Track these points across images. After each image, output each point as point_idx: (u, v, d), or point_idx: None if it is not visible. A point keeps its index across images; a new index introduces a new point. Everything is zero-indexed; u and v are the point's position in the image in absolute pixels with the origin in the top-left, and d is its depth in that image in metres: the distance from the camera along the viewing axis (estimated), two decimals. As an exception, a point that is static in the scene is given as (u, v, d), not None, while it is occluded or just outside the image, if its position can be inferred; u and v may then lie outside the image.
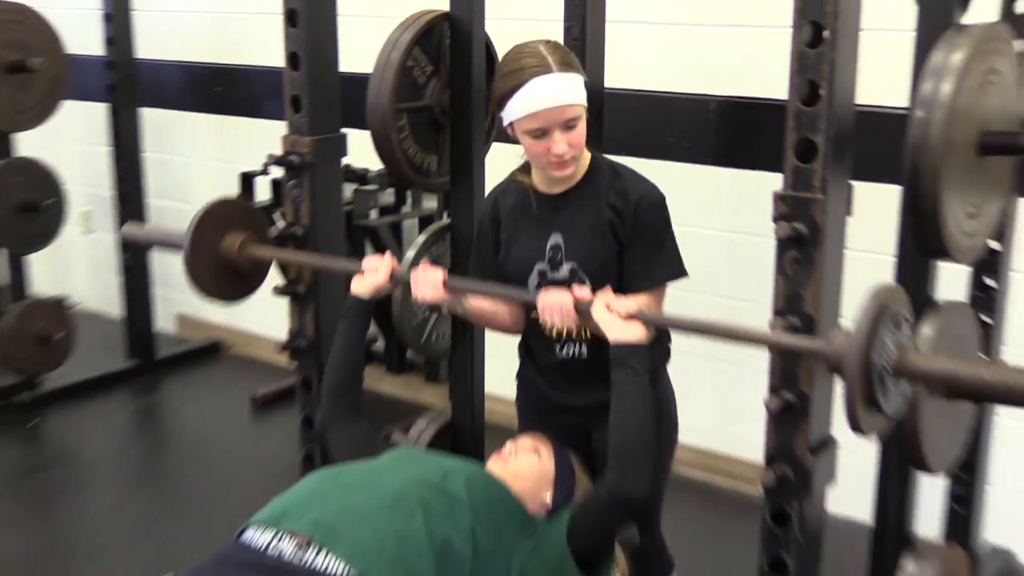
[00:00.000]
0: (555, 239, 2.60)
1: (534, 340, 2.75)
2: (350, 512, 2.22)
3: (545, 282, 2.60)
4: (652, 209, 2.56)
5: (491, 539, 2.33)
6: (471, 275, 2.80)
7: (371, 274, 2.69)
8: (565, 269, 2.59)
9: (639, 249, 2.56)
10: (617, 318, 2.31)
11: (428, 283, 2.62)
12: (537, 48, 2.47)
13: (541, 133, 2.45)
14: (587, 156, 2.61)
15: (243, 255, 2.96)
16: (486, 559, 2.31)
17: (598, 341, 2.53)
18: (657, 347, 2.69)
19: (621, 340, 2.31)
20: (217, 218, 2.97)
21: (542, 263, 2.61)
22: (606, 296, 2.34)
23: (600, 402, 2.46)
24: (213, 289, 3.01)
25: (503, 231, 2.72)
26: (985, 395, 1.99)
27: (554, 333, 2.65)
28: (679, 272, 2.60)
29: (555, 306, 2.39)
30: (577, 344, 2.64)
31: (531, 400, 2.85)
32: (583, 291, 2.39)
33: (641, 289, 2.54)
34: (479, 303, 2.76)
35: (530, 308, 2.59)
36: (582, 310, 2.36)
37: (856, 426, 1.92)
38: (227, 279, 3.02)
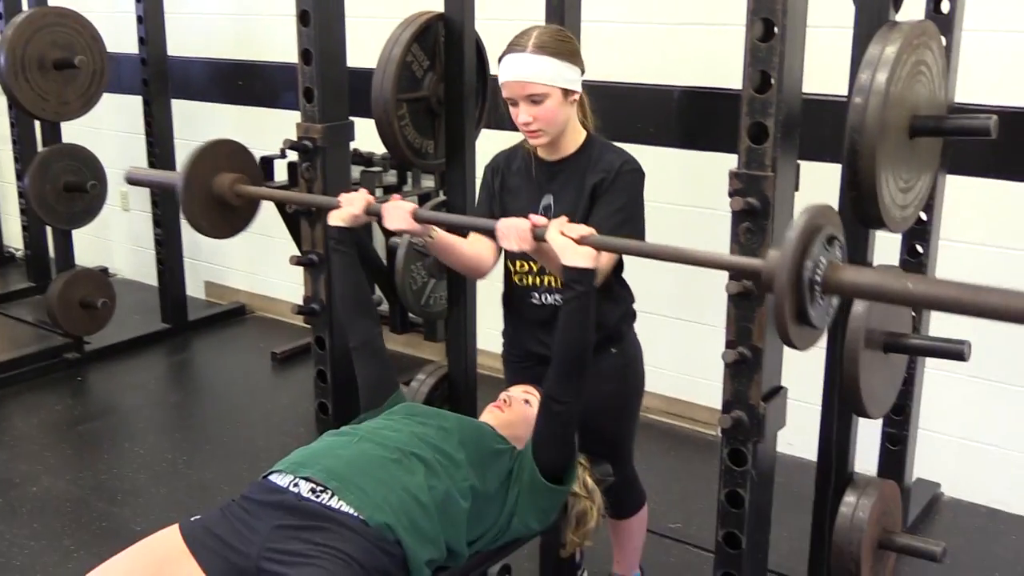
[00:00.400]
0: (547, 200, 2.62)
1: (513, 291, 2.74)
2: (359, 465, 2.22)
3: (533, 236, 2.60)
4: (629, 175, 2.55)
5: (485, 489, 2.34)
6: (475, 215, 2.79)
7: (347, 206, 2.62)
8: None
9: (606, 204, 2.53)
10: (570, 242, 2.22)
11: (398, 214, 2.54)
12: (531, 31, 2.49)
13: (513, 103, 2.50)
14: (582, 133, 2.61)
15: (233, 191, 2.87)
16: (482, 505, 2.32)
17: None
18: (622, 309, 2.70)
19: (571, 264, 2.22)
20: (211, 158, 2.88)
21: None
22: (560, 221, 2.27)
23: None
24: (206, 223, 2.90)
25: (504, 187, 2.72)
26: (911, 303, 1.90)
27: (528, 281, 2.66)
28: (636, 230, 2.55)
29: (512, 229, 2.32)
30: (551, 293, 2.64)
31: (513, 354, 2.85)
32: (539, 217, 2.32)
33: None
34: (446, 238, 2.67)
35: (515, 262, 2.63)
36: (538, 234, 2.29)
37: (786, 339, 1.83)
38: (219, 214, 2.92)
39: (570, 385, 2.32)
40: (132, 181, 3.04)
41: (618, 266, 2.67)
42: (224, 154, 2.92)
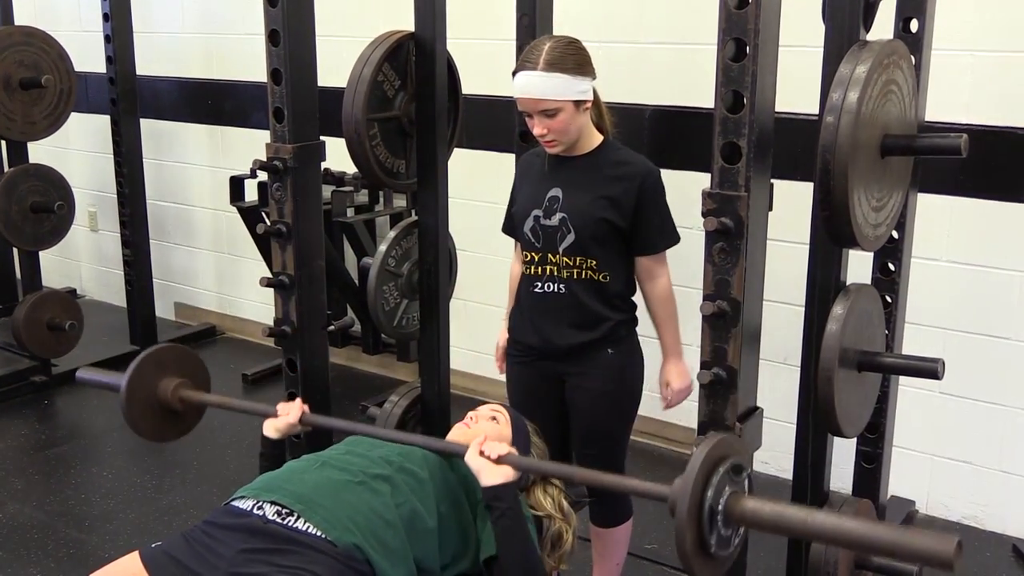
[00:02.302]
0: (555, 192, 2.71)
1: (521, 280, 2.84)
2: (324, 488, 2.22)
3: (538, 225, 2.71)
4: (654, 186, 2.69)
5: (452, 507, 2.32)
6: (506, 217, 2.92)
7: (283, 417, 2.60)
8: (556, 218, 2.69)
9: (647, 221, 2.68)
10: (486, 463, 2.23)
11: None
12: (541, 45, 2.58)
13: (528, 114, 2.62)
14: (598, 136, 2.73)
15: (177, 397, 2.78)
16: (452, 524, 2.31)
17: (575, 280, 2.68)
18: (621, 315, 2.76)
19: (489, 483, 2.22)
20: (155, 363, 2.79)
21: (538, 210, 2.72)
22: (479, 441, 2.28)
23: (573, 344, 2.64)
24: (147, 428, 2.80)
25: (520, 182, 2.86)
26: (810, 537, 1.93)
27: (531, 270, 2.76)
28: (677, 237, 2.76)
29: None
30: (556, 282, 2.72)
31: (513, 348, 2.90)
32: (487, 444, 2.29)
33: (652, 253, 2.72)
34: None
35: (523, 252, 2.78)
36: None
37: (689, 569, 1.82)
38: (163, 419, 2.82)
39: None
40: (81, 380, 2.99)
41: (628, 283, 2.77)
42: (170, 359, 2.83)
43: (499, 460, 2.23)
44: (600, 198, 2.64)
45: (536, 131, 2.61)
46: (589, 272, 2.68)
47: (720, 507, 1.79)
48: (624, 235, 2.67)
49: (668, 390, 2.81)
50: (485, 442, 2.26)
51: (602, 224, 2.64)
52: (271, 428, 2.61)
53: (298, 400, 2.67)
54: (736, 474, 1.84)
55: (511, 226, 2.89)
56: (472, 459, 2.25)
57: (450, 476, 2.39)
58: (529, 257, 2.75)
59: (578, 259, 2.67)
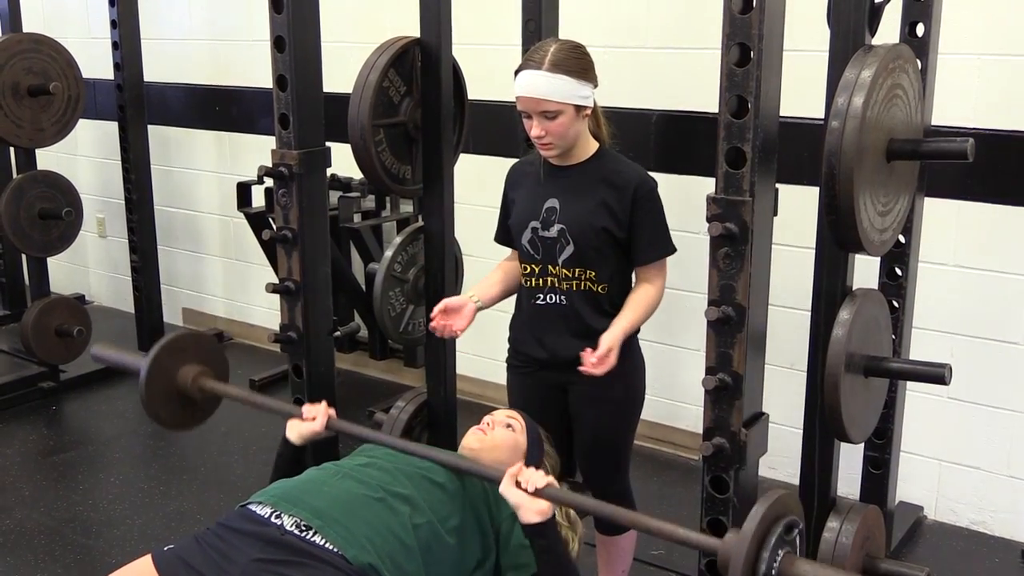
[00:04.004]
0: (552, 203, 2.67)
1: (521, 292, 2.81)
2: (343, 504, 2.19)
3: (537, 237, 2.68)
4: (648, 195, 2.64)
5: (473, 518, 2.31)
6: (498, 226, 2.87)
7: (308, 423, 2.56)
8: (554, 229, 2.65)
9: (641, 231, 2.64)
10: (524, 498, 2.16)
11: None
12: (547, 46, 2.56)
13: (527, 115, 2.57)
14: (593, 144, 2.68)
15: (196, 386, 2.74)
16: (473, 536, 2.29)
17: (575, 292, 2.65)
18: None
19: (528, 522, 2.17)
20: (177, 349, 2.76)
21: (536, 221, 2.69)
22: (515, 470, 2.22)
23: (574, 357, 2.51)
24: (165, 415, 2.76)
25: (515, 192, 2.80)
26: None
27: (533, 282, 2.72)
28: (672, 248, 2.69)
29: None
30: (556, 294, 2.69)
31: (515, 359, 2.87)
32: (523, 475, 2.23)
33: (646, 263, 2.66)
34: (489, 294, 2.80)
35: (522, 264, 2.73)
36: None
37: None
38: (180, 407, 2.78)
39: None
40: (96, 358, 2.96)
41: (628, 291, 2.72)
42: (191, 346, 2.80)
43: (536, 493, 2.17)
44: (598, 208, 2.61)
45: (533, 133, 2.57)
46: (588, 283, 2.65)
47: (774, 570, 1.77)
48: (622, 244, 2.65)
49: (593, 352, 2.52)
50: (521, 472, 2.20)
51: (601, 234, 2.61)
52: (295, 433, 2.55)
53: (323, 404, 2.61)
54: (788, 533, 1.81)
55: (506, 238, 2.86)
56: (509, 492, 2.18)
57: (474, 485, 2.37)
58: (529, 269, 2.72)
59: (577, 270, 2.64)
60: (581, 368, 2.46)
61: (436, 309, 2.69)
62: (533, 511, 2.16)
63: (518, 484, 2.18)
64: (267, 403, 2.86)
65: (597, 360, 2.45)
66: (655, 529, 2.03)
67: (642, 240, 2.64)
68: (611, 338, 2.50)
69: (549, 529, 2.19)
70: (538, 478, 2.18)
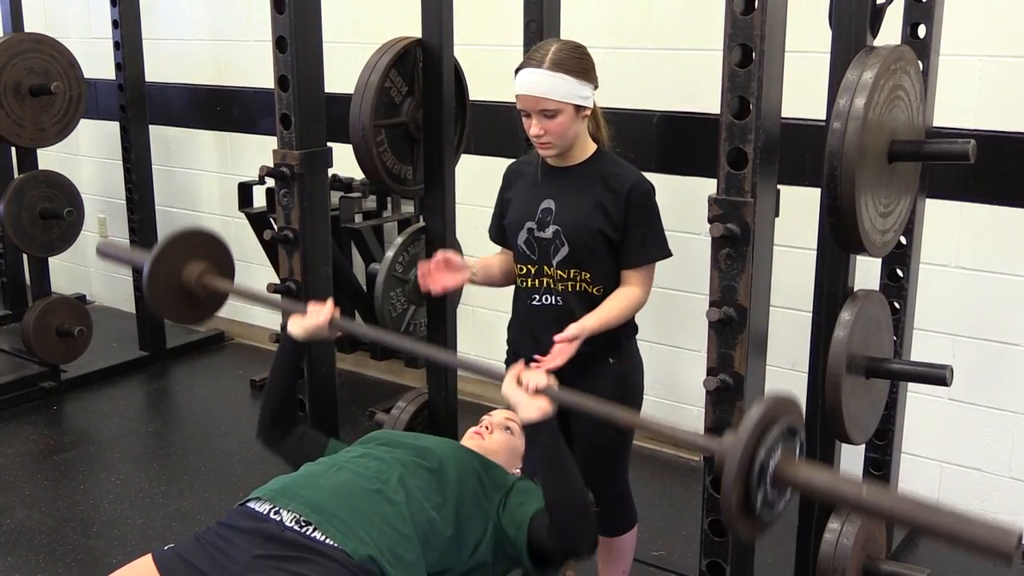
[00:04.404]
0: (547, 204, 2.67)
1: (517, 294, 2.79)
2: (340, 497, 2.19)
3: (532, 238, 2.68)
4: (642, 198, 2.62)
5: (469, 509, 2.31)
6: (493, 225, 2.86)
7: (311, 318, 2.61)
8: (550, 231, 2.65)
9: (631, 234, 2.62)
10: (525, 395, 2.22)
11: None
12: (548, 45, 2.56)
13: (526, 114, 2.56)
14: (591, 146, 2.68)
15: (200, 284, 2.78)
16: (465, 527, 2.29)
17: (570, 293, 2.64)
18: (624, 323, 2.70)
19: (528, 419, 2.22)
20: (183, 245, 2.79)
21: (532, 222, 2.68)
22: (516, 369, 2.28)
23: (571, 358, 2.49)
24: (170, 310, 2.82)
25: (511, 191, 2.79)
26: (861, 511, 1.86)
27: (528, 283, 2.72)
28: (664, 253, 2.66)
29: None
30: (552, 295, 2.69)
31: (513, 361, 2.83)
32: (525, 375, 2.28)
33: (632, 267, 2.63)
34: (484, 273, 2.80)
35: (518, 264, 2.72)
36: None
37: (731, 526, 1.77)
38: (185, 303, 2.82)
39: (585, 533, 2.26)
40: (102, 254, 2.98)
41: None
42: (198, 243, 2.83)
43: (537, 392, 2.22)
44: (593, 210, 2.60)
45: (532, 132, 2.56)
46: (583, 284, 2.64)
47: (771, 467, 1.74)
48: (617, 247, 2.63)
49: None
50: (522, 372, 2.26)
51: (596, 236, 2.60)
52: (297, 326, 2.61)
53: (330, 302, 2.65)
54: (790, 436, 1.79)
55: (501, 236, 2.84)
56: (510, 391, 2.25)
57: (469, 470, 2.38)
58: (525, 270, 2.71)
59: (572, 271, 2.63)
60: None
61: (436, 257, 2.66)
62: (533, 407, 2.21)
63: (519, 385, 2.23)
64: (272, 299, 2.92)
65: (557, 349, 2.45)
66: (654, 428, 2.09)
67: (631, 243, 2.62)
68: (576, 328, 2.48)
69: (549, 427, 2.22)
70: (539, 378, 2.24)
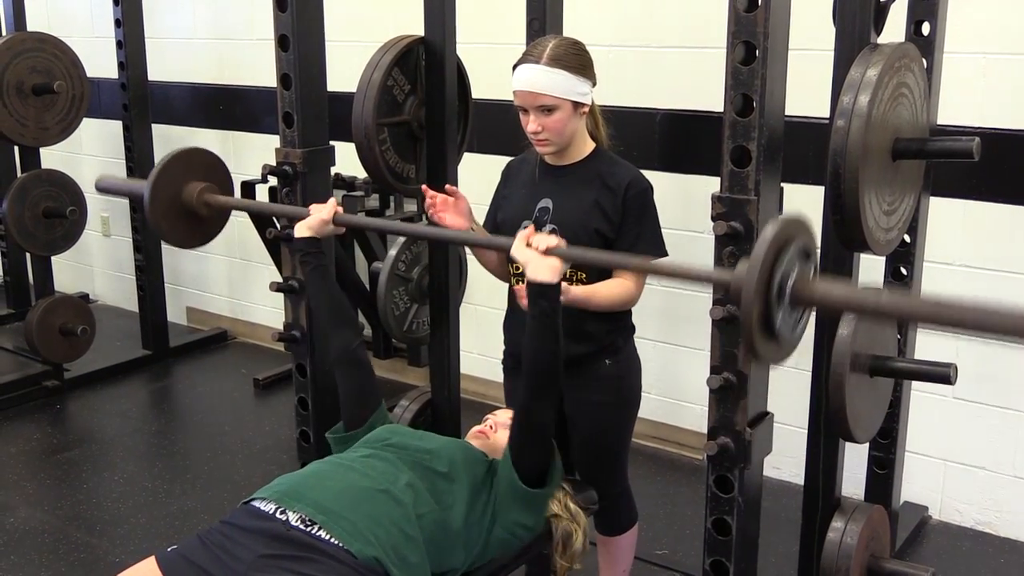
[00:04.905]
0: (545, 203, 2.65)
1: (512, 290, 2.76)
2: (347, 498, 2.18)
3: None
4: (638, 196, 2.61)
5: (477, 512, 2.31)
6: (487, 220, 2.84)
7: (316, 214, 2.66)
8: (546, 229, 2.61)
9: (625, 231, 2.60)
10: (535, 254, 2.23)
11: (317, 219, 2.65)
12: (546, 42, 2.55)
13: (523, 110, 2.55)
14: (590, 144, 2.67)
15: (201, 201, 2.84)
16: (474, 529, 2.29)
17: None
18: (616, 323, 2.70)
19: (535, 278, 2.22)
20: (180, 167, 2.84)
21: (528, 221, 2.64)
22: (526, 232, 2.29)
23: (570, 356, 2.48)
24: (171, 232, 2.86)
25: (508, 188, 2.79)
26: (883, 315, 1.81)
27: (524, 282, 2.66)
28: (658, 253, 2.61)
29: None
30: None
31: (508, 359, 2.87)
32: (535, 237, 2.29)
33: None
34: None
35: (513, 264, 2.65)
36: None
37: (753, 351, 1.73)
38: (187, 224, 2.89)
39: (544, 397, 2.30)
40: (101, 188, 3.02)
41: None
42: (195, 163, 2.89)
43: (547, 252, 2.22)
44: (591, 209, 2.59)
45: (530, 128, 2.54)
46: (579, 284, 2.60)
47: (788, 286, 1.71)
48: (613, 246, 2.60)
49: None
50: (532, 235, 2.27)
51: (593, 236, 2.57)
52: (303, 227, 2.66)
53: (332, 200, 2.70)
54: (805, 257, 1.75)
55: (495, 232, 2.79)
56: (519, 251, 2.25)
57: (478, 472, 2.38)
58: (521, 269, 2.65)
59: (568, 271, 2.57)
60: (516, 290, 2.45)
61: (449, 188, 2.70)
62: (544, 266, 2.21)
63: (529, 247, 2.24)
64: (273, 208, 2.99)
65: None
66: (668, 269, 2.09)
67: (624, 240, 2.60)
68: (570, 291, 2.43)
69: (553, 290, 2.22)
70: (549, 239, 2.24)
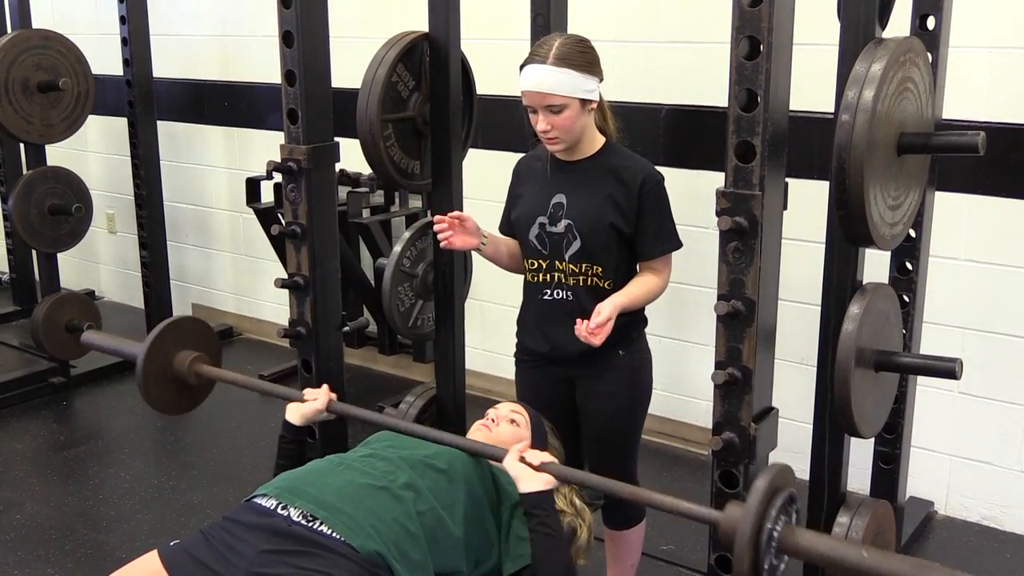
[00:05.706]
0: (559, 198, 2.67)
1: (527, 288, 2.79)
2: (348, 494, 2.19)
3: (544, 233, 2.67)
4: (654, 189, 2.63)
5: (479, 512, 2.31)
6: (503, 220, 2.86)
7: (309, 403, 2.63)
8: (562, 225, 2.65)
9: (646, 225, 2.63)
10: (526, 469, 2.26)
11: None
12: (552, 40, 2.55)
13: (532, 110, 2.56)
14: (600, 139, 2.67)
15: (192, 371, 2.85)
16: (478, 526, 2.29)
17: (581, 287, 2.65)
18: (635, 316, 2.72)
19: (528, 490, 2.24)
20: (173, 334, 2.86)
21: (543, 217, 2.68)
22: (519, 448, 2.33)
23: (584, 349, 2.52)
24: (159, 399, 2.87)
25: (521, 186, 2.79)
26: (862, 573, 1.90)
27: (539, 278, 2.72)
28: (676, 244, 2.67)
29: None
30: (563, 289, 2.69)
31: (522, 353, 2.87)
32: (529, 453, 2.32)
33: (650, 258, 2.65)
34: (491, 248, 2.80)
35: (528, 259, 2.72)
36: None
37: None
38: (176, 391, 2.90)
39: None
40: (87, 344, 3.03)
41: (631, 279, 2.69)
42: (187, 332, 2.91)
43: (540, 468, 2.25)
44: (605, 203, 2.61)
45: (539, 127, 2.56)
46: (595, 279, 2.64)
47: (776, 536, 1.82)
48: (628, 239, 2.64)
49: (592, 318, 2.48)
50: (526, 449, 2.30)
51: (608, 229, 2.60)
52: (295, 413, 2.62)
53: (325, 387, 2.68)
54: (789, 504, 1.87)
55: (510, 231, 2.84)
56: (512, 465, 2.28)
57: (478, 474, 2.37)
58: (536, 264, 2.71)
59: (584, 266, 2.63)
60: (576, 332, 2.45)
61: (454, 214, 2.72)
62: (537, 479, 2.24)
63: (523, 461, 2.27)
64: (266, 387, 2.95)
65: (594, 327, 2.43)
66: (658, 503, 2.09)
67: (647, 235, 2.63)
68: (610, 306, 2.47)
69: (547, 499, 2.24)
70: (542, 455, 2.28)
